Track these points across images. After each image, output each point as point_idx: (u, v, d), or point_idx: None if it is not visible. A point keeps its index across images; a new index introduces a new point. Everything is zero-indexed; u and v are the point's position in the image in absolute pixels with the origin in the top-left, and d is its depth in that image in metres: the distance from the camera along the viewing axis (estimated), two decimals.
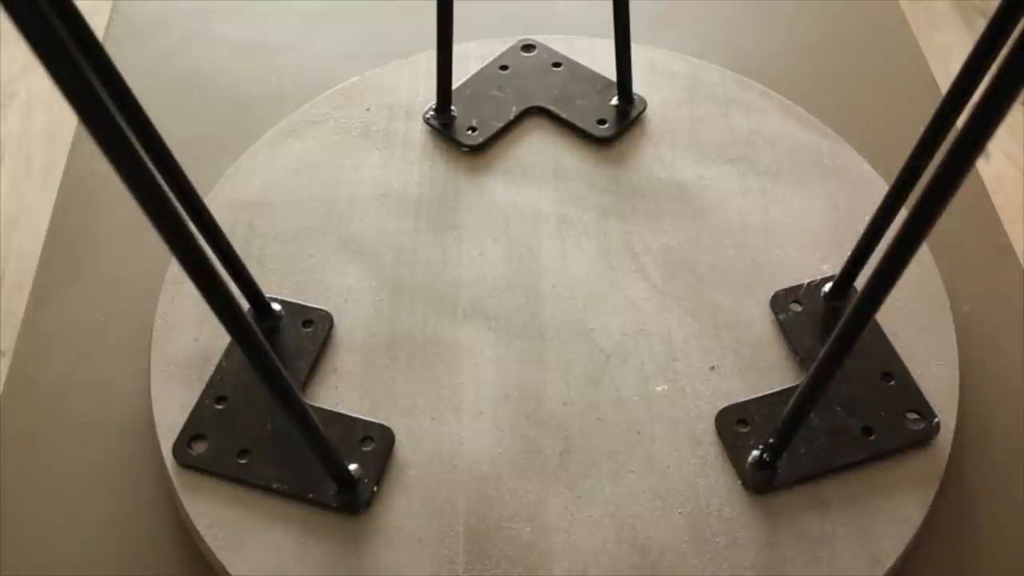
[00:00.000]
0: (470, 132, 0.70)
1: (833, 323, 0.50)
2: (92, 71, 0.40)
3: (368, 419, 0.55)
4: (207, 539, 0.51)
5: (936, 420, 0.54)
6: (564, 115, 0.70)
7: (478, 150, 0.69)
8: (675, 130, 0.70)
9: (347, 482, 0.52)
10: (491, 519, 0.52)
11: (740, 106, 0.72)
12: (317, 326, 0.59)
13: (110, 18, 0.82)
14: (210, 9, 0.83)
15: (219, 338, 0.58)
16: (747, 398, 0.56)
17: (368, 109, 0.73)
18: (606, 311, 0.60)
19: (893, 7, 0.81)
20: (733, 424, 0.55)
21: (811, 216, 0.65)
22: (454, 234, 0.65)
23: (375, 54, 0.77)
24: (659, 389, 0.57)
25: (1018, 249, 0.66)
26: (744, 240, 0.64)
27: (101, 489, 0.56)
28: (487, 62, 0.74)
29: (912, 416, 0.54)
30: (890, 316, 0.58)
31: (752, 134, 0.70)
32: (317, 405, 0.55)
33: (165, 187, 0.35)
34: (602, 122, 0.70)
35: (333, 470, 0.50)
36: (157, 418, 0.55)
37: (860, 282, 0.58)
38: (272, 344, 0.51)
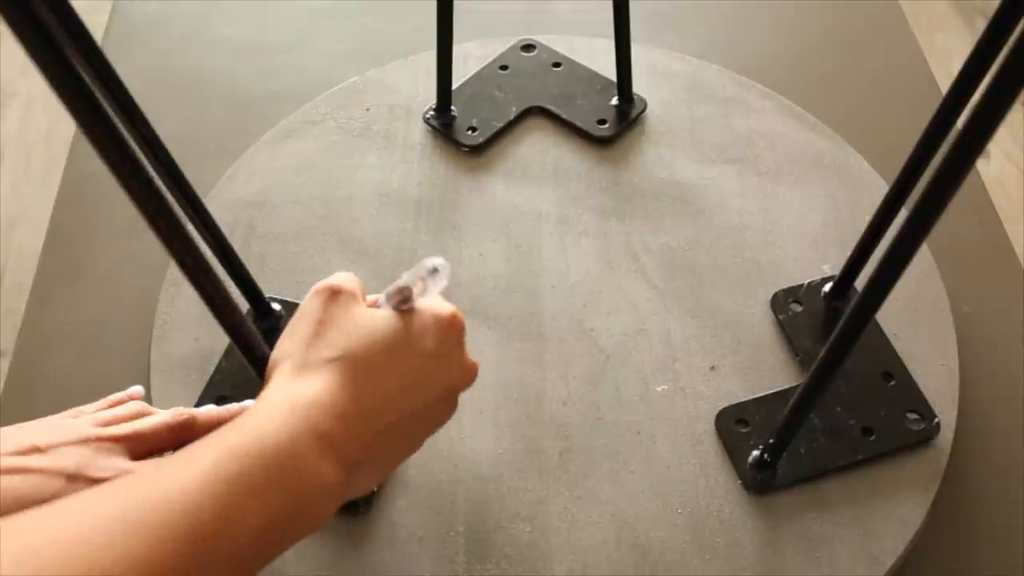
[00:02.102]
0: (470, 132, 0.70)
1: (833, 323, 0.50)
2: (90, 73, 0.40)
3: None
4: None
5: (936, 420, 0.54)
6: (564, 115, 0.70)
7: (478, 150, 0.69)
8: (675, 130, 0.70)
9: None
10: (491, 519, 0.52)
11: (740, 106, 0.72)
12: None
13: (110, 18, 0.82)
14: (210, 9, 0.83)
15: (219, 338, 0.58)
16: (747, 398, 0.56)
17: (368, 109, 0.73)
18: (606, 311, 0.60)
19: (893, 7, 0.81)
20: (733, 424, 0.55)
21: (811, 216, 0.65)
22: (454, 234, 0.65)
23: (375, 54, 0.77)
24: (659, 389, 0.57)
25: (1018, 249, 0.66)
26: (744, 240, 0.64)
27: None
28: (487, 62, 0.74)
29: (912, 416, 0.54)
30: (890, 316, 0.58)
31: (752, 134, 0.70)
32: None
33: (163, 190, 0.35)
34: (602, 122, 0.70)
35: None
36: None
37: (860, 282, 0.58)
38: (272, 344, 0.50)
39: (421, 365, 0.38)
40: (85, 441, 0.41)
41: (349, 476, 0.35)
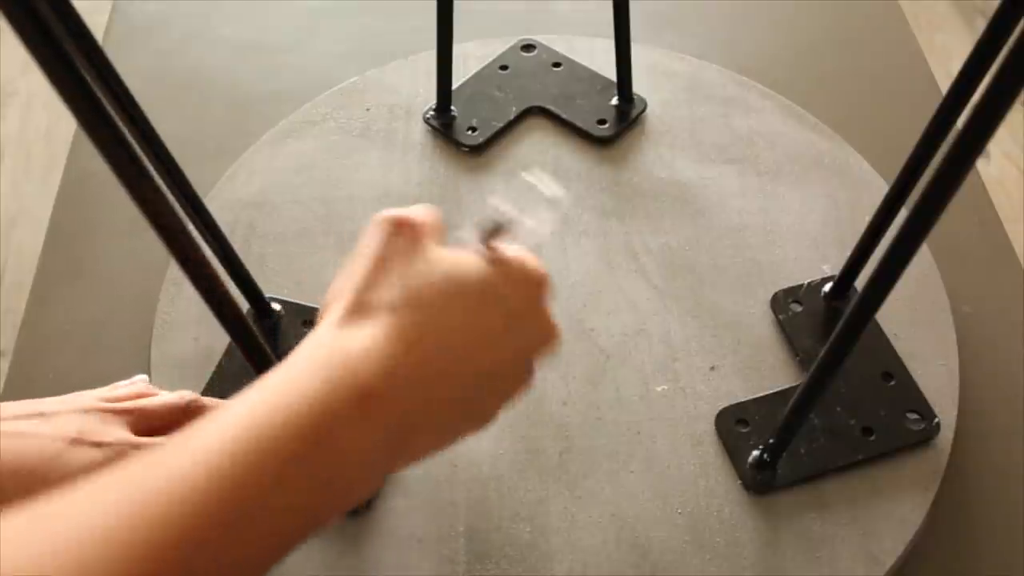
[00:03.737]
0: (470, 132, 0.70)
1: (833, 323, 0.50)
2: (90, 72, 0.40)
3: None
4: None
5: (936, 420, 0.54)
6: (564, 115, 0.70)
7: (478, 150, 0.69)
8: (675, 130, 0.70)
9: None
10: (491, 519, 0.52)
11: (740, 106, 0.72)
12: None
13: (110, 18, 0.82)
14: (210, 9, 0.83)
15: (219, 338, 0.58)
16: (747, 398, 0.56)
17: (368, 109, 0.73)
18: (606, 311, 0.60)
19: (893, 7, 0.81)
20: (733, 424, 0.55)
21: (811, 216, 0.65)
22: (454, 234, 0.64)
23: (375, 54, 0.77)
24: (659, 389, 0.57)
25: (1018, 249, 0.66)
26: (744, 240, 0.64)
27: None
28: (487, 62, 0.74)
29: (912, 416, 0.54)
30: (890, 316, 0.58)
31: (752, 134, 0.70)
32: None
33: (165, 189, 0.35)
34: (602, 122, 0.70)
35: None
36: None
37: (860, 282, 0.58)
38: (272, 344, 0.51)
39: (499, 320, 0.32)
40: (88, 410, 0.41)
41: (397, 442, 0.30)
